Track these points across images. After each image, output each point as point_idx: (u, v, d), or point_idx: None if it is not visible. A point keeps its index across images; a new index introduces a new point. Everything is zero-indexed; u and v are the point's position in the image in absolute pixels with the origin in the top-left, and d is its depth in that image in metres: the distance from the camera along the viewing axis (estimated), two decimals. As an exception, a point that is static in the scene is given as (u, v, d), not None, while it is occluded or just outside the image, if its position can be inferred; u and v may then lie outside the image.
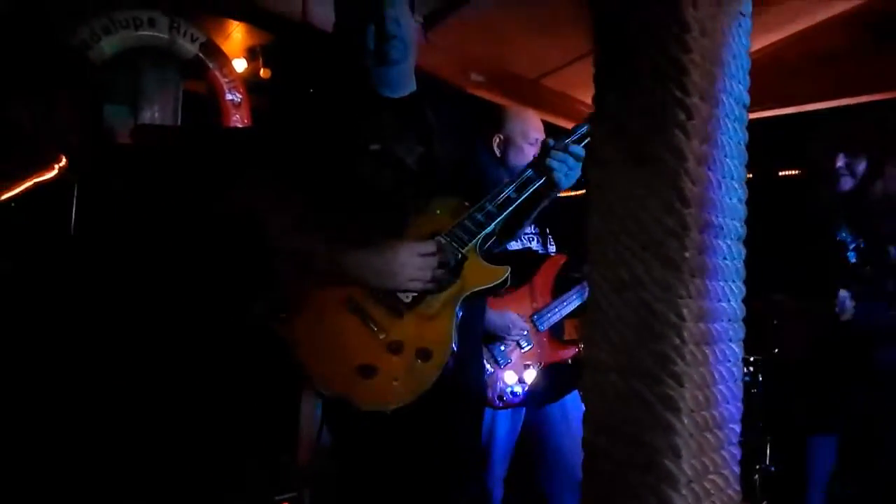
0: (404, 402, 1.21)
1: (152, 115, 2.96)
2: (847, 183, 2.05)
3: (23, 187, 3.08)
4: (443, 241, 1.28)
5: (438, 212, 1.33)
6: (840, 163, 2.04)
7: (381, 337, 1.24)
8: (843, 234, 2.08)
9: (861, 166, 2.05)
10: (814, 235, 2.12)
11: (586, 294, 2.12)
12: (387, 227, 1.28)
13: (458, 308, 1.28)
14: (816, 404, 1.95)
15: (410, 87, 1.43)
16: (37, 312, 2.54)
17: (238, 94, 3.19)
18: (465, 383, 1.35)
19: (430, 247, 1.26)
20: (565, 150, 1.32)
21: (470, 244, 1.29)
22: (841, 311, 1.94)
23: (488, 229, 1.31)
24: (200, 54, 3.01)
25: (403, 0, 1.36)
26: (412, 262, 1.23)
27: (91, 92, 2.68)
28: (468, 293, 1.29)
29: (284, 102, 1.47)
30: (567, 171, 1.32)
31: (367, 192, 1.30)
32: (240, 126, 3.16)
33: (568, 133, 1.36)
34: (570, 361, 2.04)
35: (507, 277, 1.32)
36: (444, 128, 1.40)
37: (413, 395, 1.21)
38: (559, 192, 1.37)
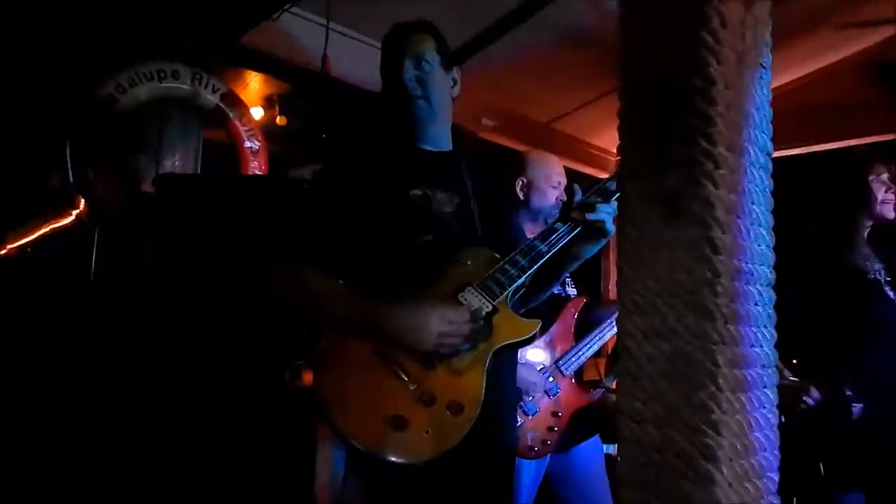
0: (434, 455, 1.18)
1: (173, 163, 3.04)
2: (891, 212, 1.94)
3: (39, 233, 3.14)
4: (473, 292, 1.28)
5: (469, 262, 1.33)
6: (881, 190, 1.92)
7: (412, 388, 1.22)
8: (878, 269, 1.95)
9: None
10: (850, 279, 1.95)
11: (608, 335, 2.11)
12: (418, 275, 1.29)
13: (488, 361, 1.25)
14: (844, 459, 1.82)
15: (446, 144, 1.47)
16: (56, 358, 2.55)
17: (256, 142, 3.26)
18: (495, 437, 1.32)
19: (462, 314, 1.24)
20: (605, 202, 1.34)
21: (501, 297, 1.29)
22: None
23: (519, 282, 1.30)
24: (221, 104, 3.10)
25: (435, 61, 1.40)
26: (442, 329, 1.22)
27: (116, 143, 2.76)
28: (498, 346, 1.27)
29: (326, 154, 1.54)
30: (611, 222, 1.34)
31: (404, 237, 1.32)
32: (258, 173, 3.23)
33: (599, 188, 1.38)
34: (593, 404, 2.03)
35: (538, 332, 1.30)
36: (477, 185, 1.43)
37: (442, 449, 1.19)
38: (608, 239, 1.38)
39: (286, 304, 1.37)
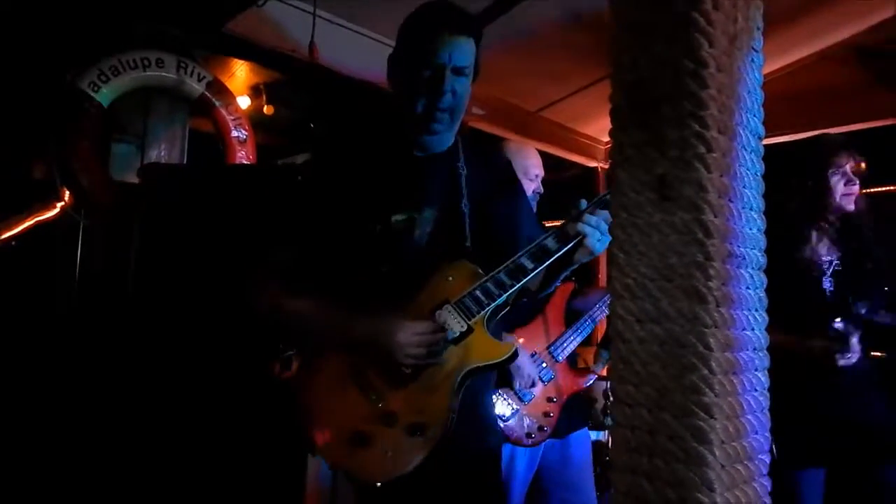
0: (394, 476, 1.18)
1: (159, 153, 3.00)
2: (850, 204, 1.95)
3: (23, 226, 3.09)
4: (450, 310, 1.25)
5: (451, 278, 1.29)
6: (841, 183, 1.95)
7: (379, 406, 1.21)
8: (822, 253, 1.95)
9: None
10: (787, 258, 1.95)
11: (598, 318, 2.09)
12: (400, 291, 1.27)
13: (458, 381, 1.23)
14: (804, 437, 1.83)
15: (447, 143, 1.40)
16: (41, 351, 2.52)
17: (243, 132, 3.23)
18: (466, 458, 1.30)
19: (428, 326, 1.22)
20: (593, 213, 1.28)
21: (477, 316, 1.25)
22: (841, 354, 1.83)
23: (499, 301, 1.26)
24: (207, 93, 3.06)
25: (472, 72, 1.32)
26: (409, 341, 1.20)
27: (100, 133, 2.72)
28: (469, 368, 1.24)
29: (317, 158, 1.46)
30: (600, 237, 1.28)
31: (383, 259, 1.29)
32: (245, 162, 3.20)
33: (599, 199, 1.32)
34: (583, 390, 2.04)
35: (513, 355, 1.27)
36: (474, 182, 1.37)
37: (402, 470, 1.18)
38: (593, 256, 1.32)
39: (269, 319, 1.36)
